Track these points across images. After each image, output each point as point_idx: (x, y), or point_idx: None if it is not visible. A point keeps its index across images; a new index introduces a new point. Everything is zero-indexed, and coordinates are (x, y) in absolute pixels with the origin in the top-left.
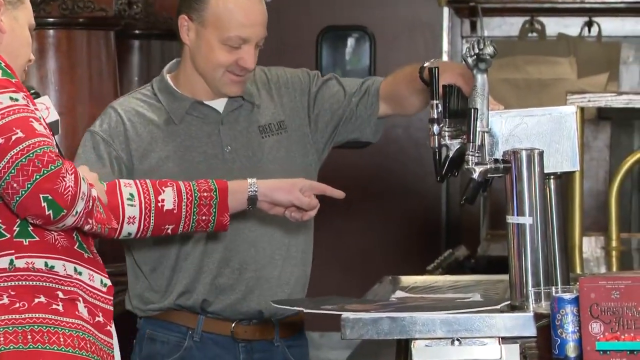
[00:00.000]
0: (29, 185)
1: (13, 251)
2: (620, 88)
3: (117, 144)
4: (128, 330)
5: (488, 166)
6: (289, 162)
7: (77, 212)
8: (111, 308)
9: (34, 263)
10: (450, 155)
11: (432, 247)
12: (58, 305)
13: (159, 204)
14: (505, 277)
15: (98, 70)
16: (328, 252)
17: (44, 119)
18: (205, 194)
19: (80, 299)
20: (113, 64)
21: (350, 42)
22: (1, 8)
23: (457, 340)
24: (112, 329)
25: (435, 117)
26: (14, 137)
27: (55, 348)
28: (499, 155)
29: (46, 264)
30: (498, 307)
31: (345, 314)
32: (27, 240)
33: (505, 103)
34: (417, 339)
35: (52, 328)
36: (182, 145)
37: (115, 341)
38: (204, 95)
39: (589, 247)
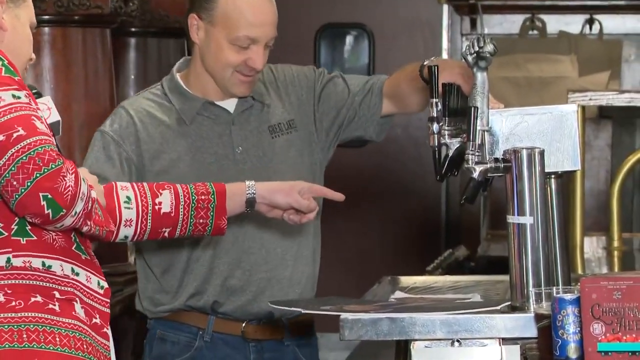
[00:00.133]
0: (28, 184)
1: (10, 249)
2: (621, 86)
3: (127, 145)
4: (127, 329)
5: (488, 165)
6: (298, 161)
7: (76, 212)
8: (108, 310)
9: (31, 262)
10: (450, 154)
11: (431, 247)
12: (54, 305)
13: (156, 207)
14: (506, 277)
15: (94, 68)
16: (327, 252)
17: (45, 119)
18: (202, 197)
19: (77, 299)
20: (109, 62)
21: (349, 39)
22: (3, 6)
23: (457, 341)
24: (109, 331)
25: (435, 115)
26: (15, 135)
27: (51, 348)
28: (499, 154)
29: (43, 264)
30: (498, 307)
31: (344, 315)
32: (24, 239)
33: (505, 101)
34: (416, 339)
35: (48, 328)
36: (193, 146)
37: (111, 344)
38: (214, 95)
39: (591, 247)
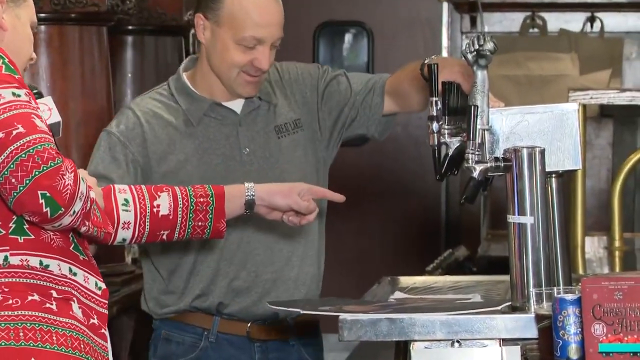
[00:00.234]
0: (27, 181)
1: (8, 247)
2: (623, 85)
3: (134, 146)
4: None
5: (488, 164)
6: (304, 161)
7: (74, 211)
8: (106, 312)
9: (28, 261)
10: (450, 153)
11: (431, 247)
12: (52, 304)
13: (155, 209)
14: (506, 277)
15: (90, 66)
16: (326, 253)
17: (45, 120)
18: (201, 200)
19: (75, 299)
20: (106, 60)
21: (348, 38)
22: (3, 5)
23: (457, 342)
24: (107, 332)
25: (435, 114)
26: (14, 132)
27: (48, 347)
28: (499, 153)
29: (41, 263)
30: (499, 308)
31: (343, 315)
32: (22, 237)
33: (505, 100)
34: (416, 340)
35: (45, 326)
36: (200, 148)
37: (109, 345)
38: (221, 96)
39: (592, 247)
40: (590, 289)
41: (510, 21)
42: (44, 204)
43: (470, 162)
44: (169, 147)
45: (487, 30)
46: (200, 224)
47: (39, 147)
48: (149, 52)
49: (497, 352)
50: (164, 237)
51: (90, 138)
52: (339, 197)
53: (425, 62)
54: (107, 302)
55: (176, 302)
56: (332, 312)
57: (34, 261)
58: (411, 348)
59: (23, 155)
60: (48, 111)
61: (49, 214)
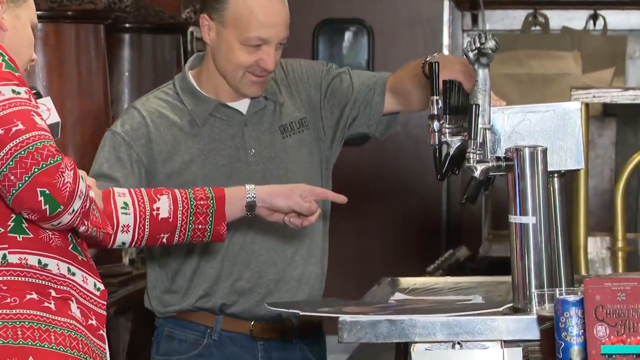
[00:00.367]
0: (26, 178)
1: (6, 246)
2: (626, 83)
3: (138, 147)
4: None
5: (490, 164)
6: (309, 161)
7: (73, 209)
8: (104, 313)
9: (27, 259)
10: (451, 152)
11: (432, 248)
12: (50, 303)
13: (154, 212)
14: (508, 278)
15: (87, 65)
16: (327, 255)
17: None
18: (201, 202)
19: (73, 299)
20: (103, 59)
21: (348, 36)
22: (3, 6)
23: (458, 343)
24: (105, 334)
25: (435, 113)
26: (14, 129)
27: (46, 346)
28: (501, 152)
29: (39, 262)
30: (500, 309)
31: (342, 317)
32: (21, 236)
33: (507, 99)
34: (416, 342)
35: (43, 325)
36: (205, 148)
37: (107, 347)
38: (226, 96)
39: (594, 247)
40: (593, 290)
41: (512, 19)
42: (43, 201)
43: (471, 161)
44: (173, 148)
45: (488, 28)
46: (200, 226)
47: (39, 144)
48: (146, 51)
49: (499, 353)
50: (164, 240)
51: (86, 138)
52: (341, 198)
53: (427, 60)
54: (105, 303)
55: (179, 301)
56: (332, 313)
57: (32, 260)
58: (411, 350)
59: (22, 152)
60: (47, 112)
61: (48, 212)
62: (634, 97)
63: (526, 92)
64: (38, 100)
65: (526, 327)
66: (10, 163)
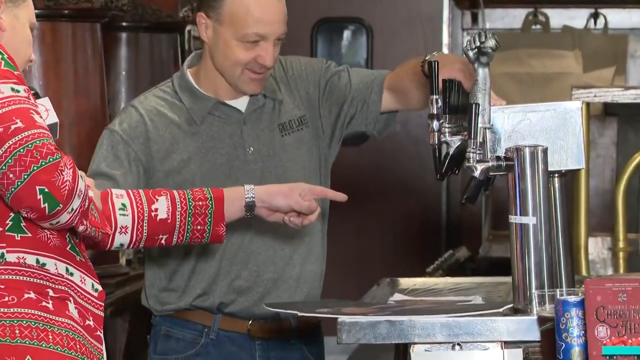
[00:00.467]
0: (25, 176)
1: (5, 245)
2: (627, 82)
3: (136, 145)
4: (118, 331)
5: (490, 164)
6: (308, 159)
7: (72, 208)
8: (102, 314)
9: (25, 259)
10: (451, 152)
11: (432, 248)
12: (48, 303)
13: (153, 214)
14: (508, 279)
15: (84, 64)
16: (326, 254)
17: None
18: (200, 203)
19: (71, 299)
20: (99, 58)
21: (347, 34)
22: (1, 5)
23: (458, 344)
24: (102, 335)
25: (435, 112)
26: (13, 127)
27: (44, 345)
28: (501, 152)
29: (37, 261)
30: (500, 310)
31: (341, 318)
32: (19, 235)
33: (507, 98)
34: (416, 343)
35: (41, 325)
36: (203, 147)
37: (104, 348)
38: (225, 94)
39: (595, 248)
40: (594, 291)
41: (513, 17)
42: (42, 199)
43: (471, 161)
44: (172, 146)
45: (488, 26)
46: (199, 227)
47: (38, 142)
48: (143, 50)
49: (499, 355)
50: (163, 241)
51: (83, 137)
52: (340, 197)
53: (426, 58)
54: (103, 304)
55: (177, 300)
56: (331, 314)
57: (30, 259)
58: (411, 351)
59: (21, 150)
60: (45, 112)
61: (47, 210)
62: (635, 96)
63: (526, 91)
64: (37, 101)
65: (526, 328)
66: (9, 161)
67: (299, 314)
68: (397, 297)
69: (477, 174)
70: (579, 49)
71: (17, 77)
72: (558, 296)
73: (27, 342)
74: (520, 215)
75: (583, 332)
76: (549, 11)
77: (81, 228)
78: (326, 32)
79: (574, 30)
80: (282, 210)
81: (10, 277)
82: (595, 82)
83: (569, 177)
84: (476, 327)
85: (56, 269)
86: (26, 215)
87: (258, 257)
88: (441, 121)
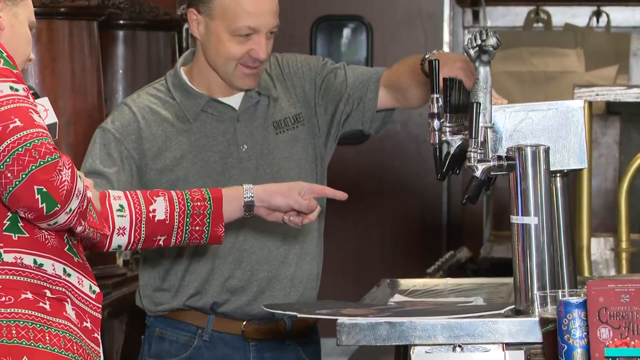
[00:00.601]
0: (23, 176)
1: (2, 245)
2: (630, 81)
3: (129, 143)
4: (115, 333)
5: (491, 163)
6: (303, 157)
7: (71, 209)
8: (99, 316)
9: (22, 259)
10: (452, 152)
11: (432, 249)
12: (45, 303)
13: (150, 214)
14: (510, 280)
15: (80, 62)
16: (323, 254)
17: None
18: (198, 204)
19: (69, 300)
20: (96, 56)
21: (346, 32)
22: (0, 4)
23: (459, 346)
24: (99, 337)
25: (436, 111)
26: (11, 126)
27: (41, 346)
28: (502, 152)
29: (35, 261)
30: (502, 311)
31: (341, 319)
32: (16, 235)
33: (509, 97)
34: (416, 345)
35: (38, 326)
36: (196, 144)
37: (101, 350)
38: (219, 91)
39: (598, 248)
40: (596, 292)
41: (514, 15)
42: (39, 199)
43: (472, 160)
44: (164, 144)
45: (489, 24)
46: (197, 228)
47: (36, 141)
48: (141, 48)
49: (500, 356)
50: (161, 242)
51: (80, 137)
52: (340, 195)
53: (426, 57)
54: (100, 306)
55: (170, 300)
56: (330, 315)
57: (28, 259)
58: (411, 352)
59: (20, 149)
60: (44, 112)
61: (44, 210)
62: (638, 95)
63: (528, 90)
64: (36, 100)
65: (528, 329)
66: (7, 160)
67: (299, 315)
68: (397, 298)
69: (478, 173)
70: (582, 47)
71: (16, 76)
72: (560, 297)
73: (24, 343)
74: (522, 215)
75: (585, 333)
76: (551, 9)
77: (79, 229)
78: (326, 30)
79: (577, 28)
80: (282, 209)
81: (7, 277)
82: (597, 80)
83: (571, 177)
84: (477, 328)
85: (54, 269)
86: (24, 215)
87: (252, 256)
88: (442, 120)
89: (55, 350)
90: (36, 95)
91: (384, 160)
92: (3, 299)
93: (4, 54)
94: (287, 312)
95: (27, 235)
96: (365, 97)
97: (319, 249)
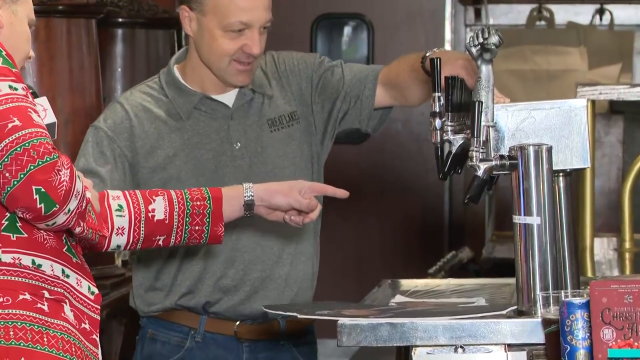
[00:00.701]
0: (22, 176)
1: (0, 245)
2: (633, 80)
3: (121, 141)
4: (113, 333)
5: (493, 163)
6: (298, 155)
7: (69, 209)
8: (98, 317)
9: (20, 259)
10: (453, 151)
11: (434, 249)
12: (43, 304)
13: (149, 214)
14: (512, 280)
15: (79, 61)
16: (323, 254)
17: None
18: (198, 203)
19: (67, 301)
20: (95, 55)
21: (347, 31)
22: None
23: (461, 347)
24: (98, 339)
25: (437, 110)
26: (10, 125)
27: (39, 347)
28: (504, 151)
29: (33, 262)
30: (504, 312)
31: (341, 320)
32: (14, 235)
33: (511, 95)
34: (418, 346)
35: (36, 327)
36: (189, 142)
37: (99, 352)
38: (212, 88)
39: (601, 248)
40: (599, 293)
41: (517, 13)
42: (38, 199)
43: (474, 160)
44: (157, 142)
45: (492, 22)
46: (197, 228)
47: (35, 141)
48: (139, 46)
49: (502, 357)
50: (160, 242)
51: (78, 135)
52: (341, 193)
53: (427, 55)
54: (99, 307)
55: (162, 300)
56: (331, 316)
57: (26, 260)
58: (413, 354)
59: (18, 149)
60: (43, 112)
61: (43, 211)
62: None
63: (531, 88)
64: (35, 100)
65: (531, 330)
66: (6, 160)
67: (299, 316)
68: (399, 298)
69: (480, 173)
70: (584, 45)
71: (15, 75)
72: (563, 298)
73: (22, 344)
74: (525, 215)
75: (588, 334)
76: (553, 7)
77: (78, 229)
78: (326, 29)
79: (579, 26)
80: (282, 208)
81: (5, 277)
82: (600, 79)
83: (574, 177)
84: (479, 329)
85: (52, 270)
86: (22, 216)
87: (245, 256)
88: (444, 119)
89: (54, 351)
90: (35, 95)
91: (385, 159)
92: (1, 299)
93: (3, 53)
94: (288, 313)
95: (26, 235)
96: (363, 94)
97: (314, 249)
